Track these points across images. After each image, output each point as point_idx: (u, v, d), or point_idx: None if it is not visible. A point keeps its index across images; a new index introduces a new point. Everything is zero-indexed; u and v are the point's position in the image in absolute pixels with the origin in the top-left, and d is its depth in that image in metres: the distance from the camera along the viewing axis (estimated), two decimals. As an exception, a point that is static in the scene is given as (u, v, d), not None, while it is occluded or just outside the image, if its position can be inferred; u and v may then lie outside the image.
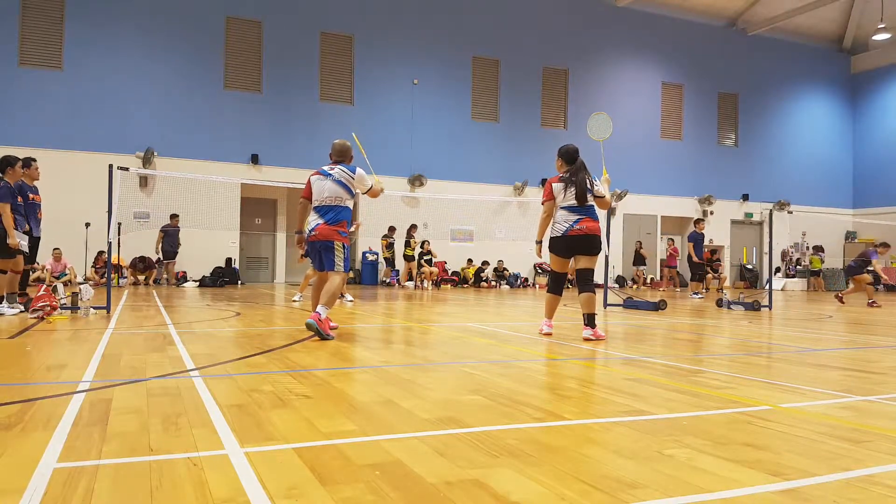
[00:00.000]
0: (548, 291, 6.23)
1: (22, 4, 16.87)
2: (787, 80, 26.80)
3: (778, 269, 24.72)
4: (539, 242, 6.38)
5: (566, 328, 7.04)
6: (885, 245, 13.48)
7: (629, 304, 10.71)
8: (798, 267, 25.11)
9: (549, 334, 6.03)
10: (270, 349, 4.76)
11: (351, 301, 10.85)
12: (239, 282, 17.89)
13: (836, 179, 27.77)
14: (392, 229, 18.58)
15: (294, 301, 10.50)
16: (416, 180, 20.40)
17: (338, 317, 7.88)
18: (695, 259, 15.65)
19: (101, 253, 16.10)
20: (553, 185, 6.02)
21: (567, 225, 5.86)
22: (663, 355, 4.87)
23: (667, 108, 24.68)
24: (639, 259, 21.54)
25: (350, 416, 2.71)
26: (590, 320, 5.76)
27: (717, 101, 25.51)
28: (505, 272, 20.71)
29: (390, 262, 19.08)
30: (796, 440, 2.45)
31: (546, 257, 6.34)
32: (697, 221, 16.09)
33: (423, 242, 18.53)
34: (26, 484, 1.81)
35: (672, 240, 21.55)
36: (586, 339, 5.65)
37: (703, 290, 16.83)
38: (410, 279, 18.82)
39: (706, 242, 16.74)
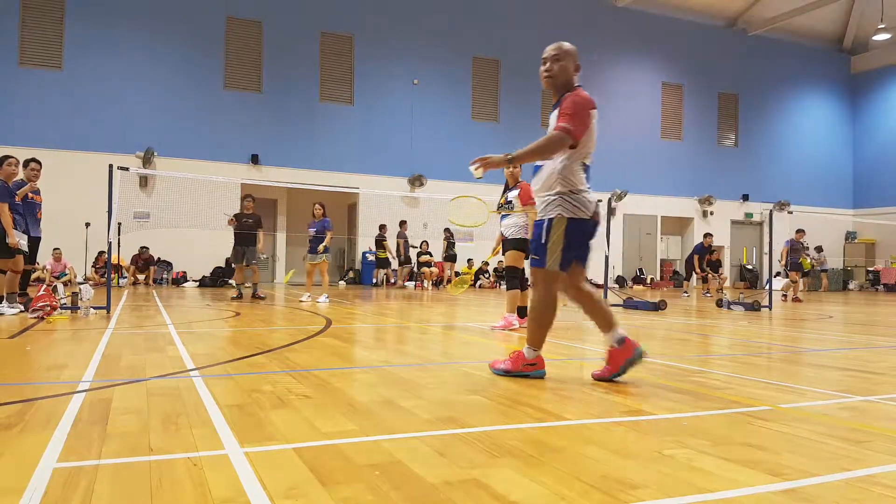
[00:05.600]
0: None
1: (22, 4, 16.87)
2: (787, 80, 26.80)
3: (779, 274, 24.65)
4: None
5: (565, 328, 7.05)
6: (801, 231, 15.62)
7: (629, 304, 10.71)
8: None
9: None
10: (270, 349, 4.76)
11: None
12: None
13: (836, 179, 27.78)
14: (383, 227, 18.44)
15: (302, 301, 10.55)
16: (416, 180, 20.40)
17: (336, 316, 7.88)
18: (696, 268, 16.85)
19: (101, 253, 16.10)
20: None
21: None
22: (663, 355, 4.87)
23: (667, 108, 24.69)
24: None
25: (350, 416, 2.71)
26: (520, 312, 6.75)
27: (717, 101, 25.52)
28: (504, 272, 20.67)
29: (385, 262, 18.98)
30: (796, 440, 2.45)
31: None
32: (706, 236, 17.21)
33: (422, 243, 18.51)
34: (26, 484, 1.81)
35: None
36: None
37: (705, 292, 17.21)
38: (412, 279, 18.75)
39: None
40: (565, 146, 3.47)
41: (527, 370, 3.68)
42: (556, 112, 3.57)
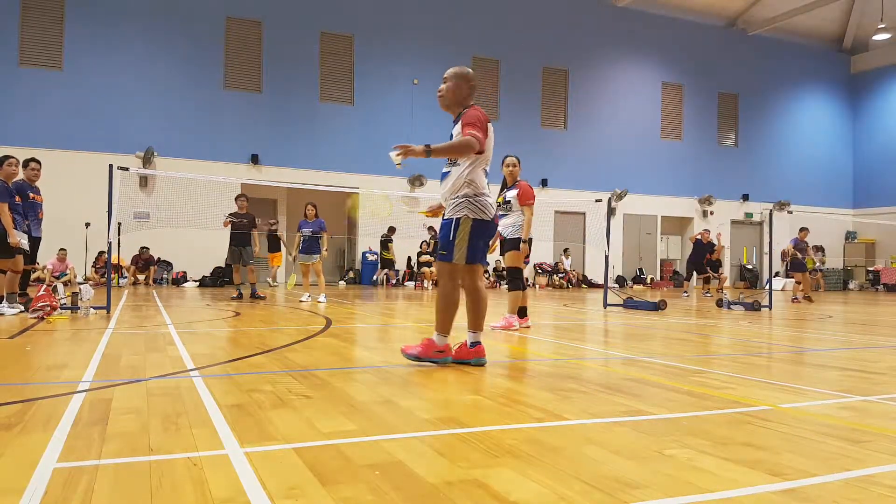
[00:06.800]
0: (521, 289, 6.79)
1: (22, 4, 16.87)
2: (787, 80, 26.79)
3: (778, 274, 24.64)
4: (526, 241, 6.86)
5: (565, 328, 7.05)
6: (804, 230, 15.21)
7: (629, 304, 10.71)
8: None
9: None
10: (270, 349, 4.76)
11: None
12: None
13: (836, 179, 27.77)
14: (392, 230, 18.56)
15: (301, 301, 10.55)
16: (416, 180, 20.41)
17: (336, 316, 7.88)
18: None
19: (101, 253, 16.10)
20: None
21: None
22: (663, 355, 4.87)
23: (667, 108, 24.68)
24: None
25: (350, 416, 2.71)
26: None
27: (717, 101, 25.51)
28: (504, 272, 20.66)
29: (389, 262, 19.07)
30: (796, 440, 2.45)
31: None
32: (703, 232, 17.14)
33: (422, 243, 18.51)
34: (26, 484, 1.81)
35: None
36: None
37: (705, 292, 17.26)
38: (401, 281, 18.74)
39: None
40: (474, 150, 3.95)
41: (437, 357, 3.96)
42: (457, 125, 4.08)
